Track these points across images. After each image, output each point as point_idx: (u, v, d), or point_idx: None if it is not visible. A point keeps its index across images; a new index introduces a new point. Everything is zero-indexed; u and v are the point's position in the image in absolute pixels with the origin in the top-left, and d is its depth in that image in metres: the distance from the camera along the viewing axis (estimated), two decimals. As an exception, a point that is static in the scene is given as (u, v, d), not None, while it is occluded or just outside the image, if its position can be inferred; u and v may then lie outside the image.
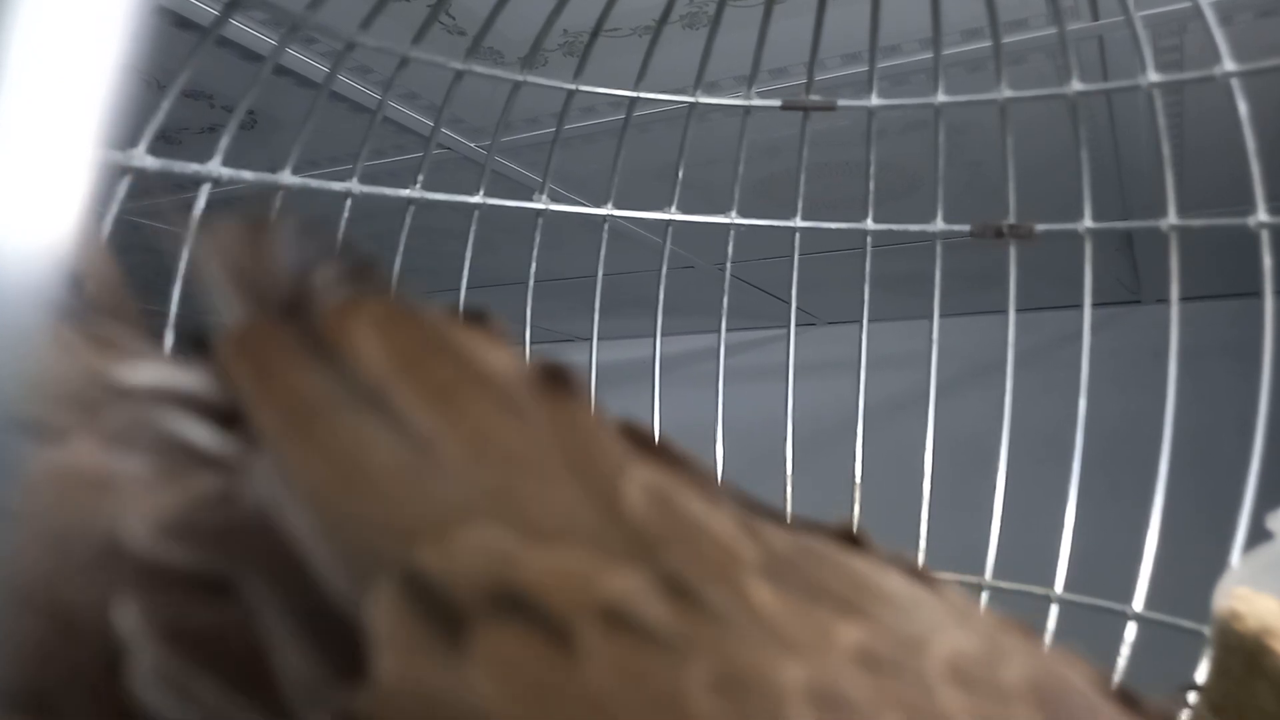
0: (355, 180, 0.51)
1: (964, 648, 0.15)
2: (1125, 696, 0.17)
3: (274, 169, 0.48)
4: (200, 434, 0.17)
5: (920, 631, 0.15)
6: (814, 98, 0.57)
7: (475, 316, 0.20)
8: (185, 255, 0.21)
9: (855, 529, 0.19)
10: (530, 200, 0.56)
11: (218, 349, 0.18)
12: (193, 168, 0.44)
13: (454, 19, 0.75)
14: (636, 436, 0.19)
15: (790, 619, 0.15)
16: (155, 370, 0.18)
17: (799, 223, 0.58)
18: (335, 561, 0.15)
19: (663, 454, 0.18)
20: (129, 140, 0.41)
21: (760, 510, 0.18)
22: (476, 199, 0.54)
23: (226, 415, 0.18)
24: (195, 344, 0.19)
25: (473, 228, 0.55)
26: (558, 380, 0.18)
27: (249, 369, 0.17)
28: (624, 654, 0.14)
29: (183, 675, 0.15)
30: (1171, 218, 0.49)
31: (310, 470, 0.16)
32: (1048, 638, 0.48)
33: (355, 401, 0.17)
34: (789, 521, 0.18)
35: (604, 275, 0.58)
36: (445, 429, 0.16)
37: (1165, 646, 0.44)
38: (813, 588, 0.16)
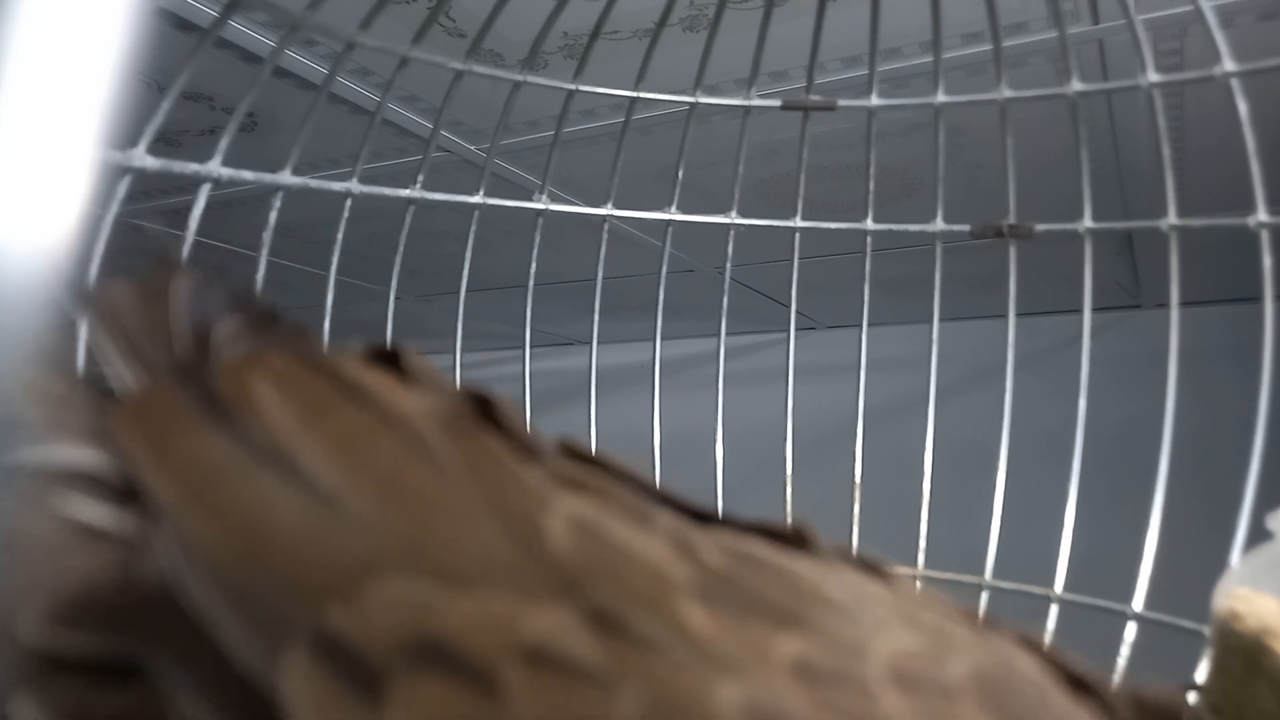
0: (355, 180, 0.51)
1: (907, 647, 0.15)
2: (1077, 681, 0.17)
3: (274, 170, 0.48)
4: (96, 512, 0.17)
5: (862, 634, 0.15)
6: (814, 98, 0.57)
7: (388, 356, 0.19)
8: (85, 313, 0.20)
9: (802, 527, 0.18)
10: (530, 201, 0.56)
11: (112, 421, 0.17)
12: (192, 168, 0.44)
13: (454, 20, 0.75)
14: (574, 455, 0.18)
15: (725, 638, 0.14)
16: (51, 450, 0.17)
17: (799, 223, 0.58)
18: (245, 630, 0.14)
19: (600, 471, 0.18)
20: (129, 141, 0.41)
21: (701, 517, 0.18)
22: (476, 199, 0.54)
23: (126, 490, 0.17)
24: (103, 406, 0.18)
25: (472, 228, 0.55)
26: (482, 408, 0.18)
27: (143, 439, 0.17)
28: (552, 693, 0.14)
29: None
30: (1171, 218, 0.49)
31: (212, 537, 0.15)
32: (1047, 638, 0.48)
33: (256, 461, 0.16)
34: (736, 526, 0.18)
35: (604, 278, 0.58)
36: (353, 481, 0.16)
37: (1165, 646, 0.44)
38: (750, 602, 0.15)
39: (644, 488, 0.18)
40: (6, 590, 0.16)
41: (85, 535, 0.17)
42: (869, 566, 0.18)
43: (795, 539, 0.18)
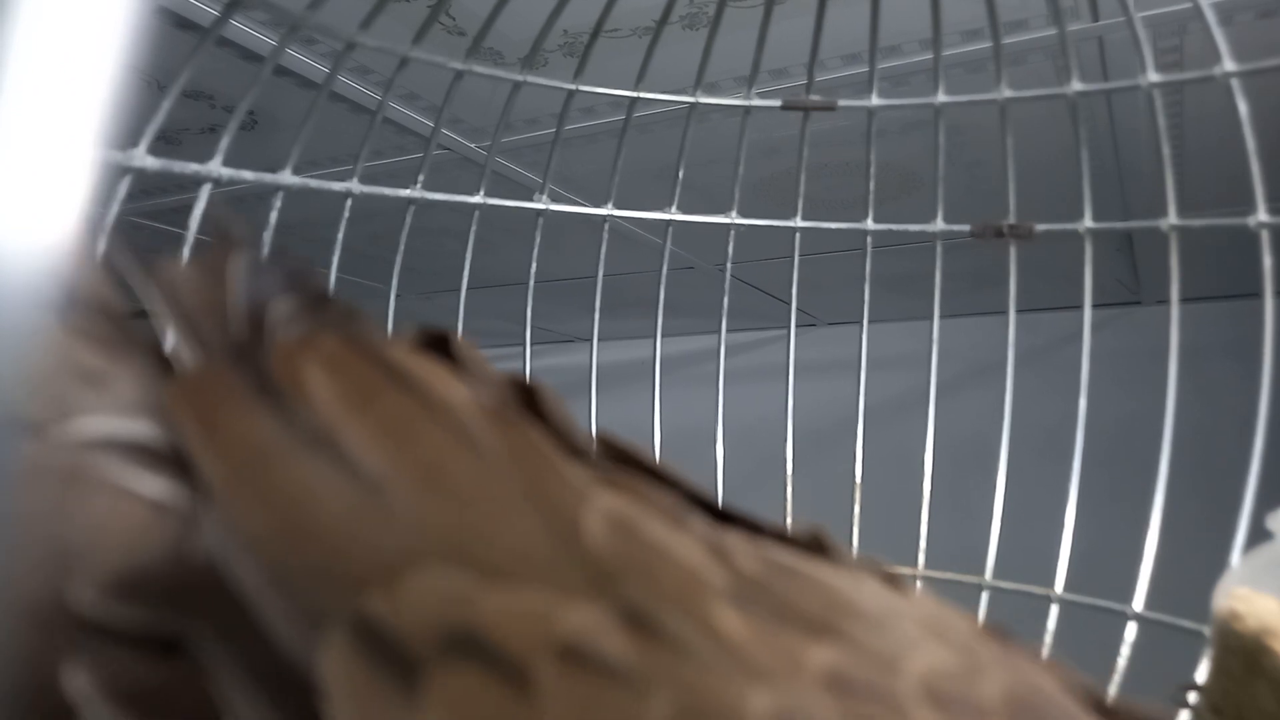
0: (355, 180, 0.51)
1: (938, 664, 0.15)
2: (1104, 706, 0.17)
3: (274, 169, 0.48)
4: (153, 486, 0.17)
5: (894, 649, 0.15)
6: (814, 97, 0.57)
7: (437, 341, 0.19)
8: (146, 287, 0.21)
9: (821, 535, 0.18)
10: (530, 200, 0.56)
11: (165, 398, 0.18)
12: (193, 168, 0.44)
13: (454, 19, 0.75)
14: (611, 451, 0.18)
15: (758, 645, 0.14)
16: (107, 422, 0.18)
17: (799, 223, 0.58)
18: (286, 613, 0.15)
19: (635, 468, 0.18)
20: (129, 140, 0.41)
21: (734, 521, 0.18)
22: (477, 199, 0.54)
23: (180, 465, 0.17)
24: (160, 376, 0.19)
25: (473, 228, 0.55)
26: (527, 399, 0.18)
27: (194, 418, 0.17)
28: (583, 691, 0.14)
29: None
30: (1171, 218, 0.49)
31: (257, 520, 0.15)
32: (1048, 638, 0.48)
33: (303, 445, 0.16)
34: (759, 531, 0.18)
35: (604, 276, 0.58)
36: (397, 468, 0.16)
37: (1165, 646, 0.44)
38: (783, 609, 0.15)
39: (678, 484, 0.18)
40: (65, 559, 0.16)
41: (140, 507, 0.17)
42: (892, 580, 0.18)
43: (813, 545, 0.18)
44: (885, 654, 0.15)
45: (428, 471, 0.16)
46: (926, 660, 0.15)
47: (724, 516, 0.18)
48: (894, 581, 0.18)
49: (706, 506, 0.18)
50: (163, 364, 0.19)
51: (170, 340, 0.19)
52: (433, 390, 0.18)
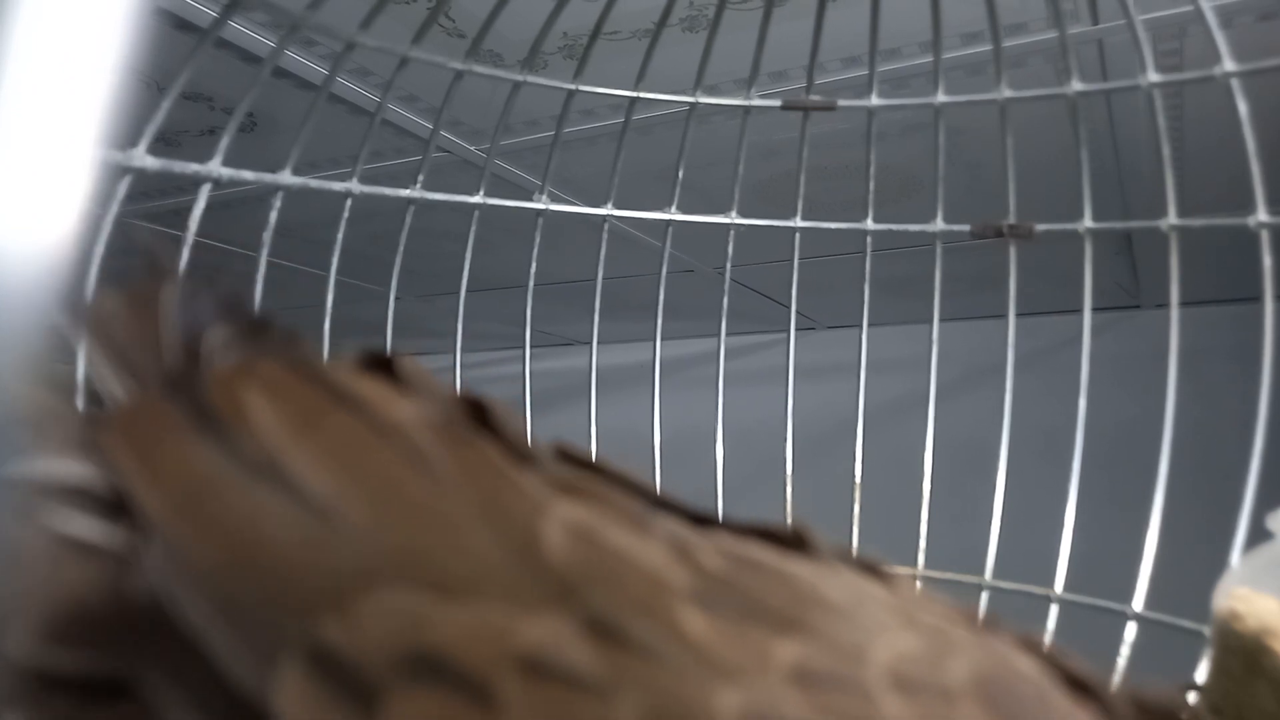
0: (355, 180, 0.51)
1: (907, 650, 0.15)
2: (1078, 682, 0.17)
3: (273, 170, 0.48)
4: (86, 526, 0.17)
5: (861, 638, 0.15)
6: (814, 98, 0.57)
7: (381, 362, 0.19)
8: (76, 325, 0.20)
9: (800, 528, 0.18)
10: (530, 201, 0.56)
11: (100, 435, 0.17)
12: (193, 168, 0.44)
13: (454, 21, 0.76)
14: (571, 460, 0.18)
15: (723, 644, 0.14)
16: (40, 463, 0.17)
17: (799, 223, 0.58)
18: (237, 645, 0.14)
19: (597, 476, 0.18)
20: (128, 141, 0.41)
21: (706, 523, 0.18)
22: (476, 199, 0.54)
23: (116, 505, 0.17)
24: (93, 418, 0.18)
25: (472, 228, 0.55)
26: (478, 413, 0.18)
27: (132, 453, 0.17)
28: (547, 703, 0.13)
29: None
30: (1171, 218, 0.49)
31: (202, 552, 0.15)
32: (1047, 638, 0.48)
33: (247, 473, 0.16)
34: (735, 528, 0.18)
35: (604, 279, 0.58)
36: (345, 491, 0.16)
37: (1165, 646, 0.44)
38: (749, 606, 0.15)
39: (641, 491, 0.18)
40: None
41: (75, 550, 0.16)
42: (868, 568, 0.18)
43: (794, 540, 0.18)
44: (852, 644, 0.15)
45: (378, 492, 0.16)
46: (894, 647, 0.15)
47: (697, 519, 0.18)
48: (871, 570, 0.18)
49: (677, 509, 0.18)
50: (93, 402, 0.19)
51: (102, 376, 0.19)
52: (379, 410, 0.17)
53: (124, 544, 0.16)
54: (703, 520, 0.18)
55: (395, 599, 0.14)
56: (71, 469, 0.17)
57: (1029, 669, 0.16)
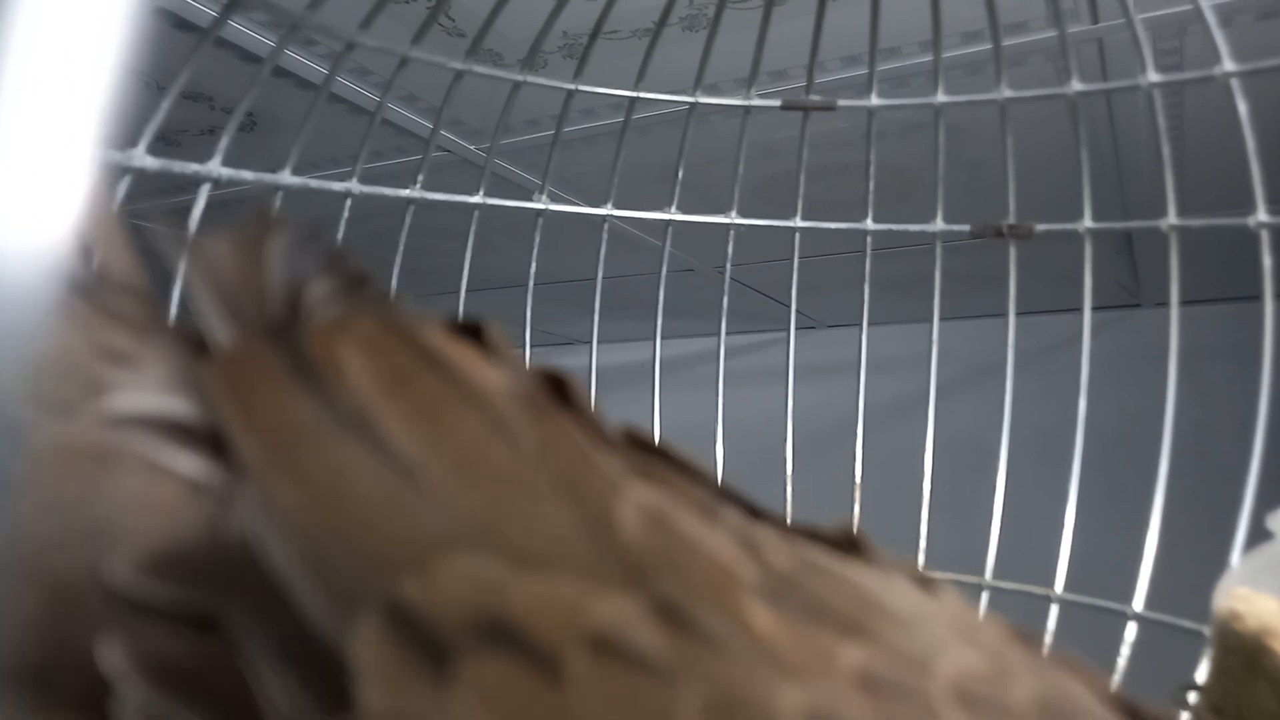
0: (355, 180, 0.51)
1: (969, 666, 0.15)
2: (1131, 710, 0.17)
3: (273, 170, 0.48)
4: (187, 463, 0.17)
5: (924, 650, 0.15)
6: (814, 98, 0.57)
7: (472, 328, 0.19)
8: (183, 262, 0.21)
9: (856, 534, 0.18)
10: (530, 201, 0.56)
11: (202, 375, 0.18)
12: (192, 168, 0.44)
13: (454, 20, 0.76)
14: (639, 444, 0.18)
15: (789, 641, 0.14)
16: (143, 397, 0.18)
17: (799, 223, 0.58)
18: (319, 594, 0.15)
19: (665, 462, 0.18)
20: (129, 141, 0.41)
21: (763, 518, 0.18)
22: (476, 199, 0.54)
23: (216, 442, 0.17)
24: (195, 355, 0.19)
25: (472, 228, 0.55)
26: (557, 389, 0.18)
27: (232, 396, 0.17)
28: (613, 682, 0.13)
29: (168, 711, 0.14)
30: (1171, 218, 0.49)
31: (292, 501, 0.15)
32: (1048, 638, 0.48)
33: (340, 427, 0.16)
34: (790, 528, 0.18)
35: (604, 278, 0.58)
36: (432, 453, 0.16)
37: (1165, 646, 0.44)
38: (814, 606, 0.15)
39: (705, 480, 0.18)
40: (99, 536, 0.16)
41: (174, 485, 0.17)
42: (923, 580, 0.18)
43: (850, 545, 0.18)
44: (916, 654, 0.15)
45: (462, 457, 0.16)
46: (957, 662, 0.15)
47: (755, 513, 0.18)
48: (925, 583, 0.18)
49: (738, 502, 0.18)
50: (195, 344, 0.19)
51: (206, 317, 0.19)
52: (468, 375, 0.17)
53: (221, 483, 0.17)
54: (760, 515, 0.18)
55: (473, 564, 0.15)
56: (177, 406, 0.18)
57: (1086, 697, 0.16)
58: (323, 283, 0.20)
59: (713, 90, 0.58)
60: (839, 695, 0.14)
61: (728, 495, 0.18)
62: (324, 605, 0.15)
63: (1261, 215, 0.46)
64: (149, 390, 0.18)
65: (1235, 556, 0.42)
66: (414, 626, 0.14)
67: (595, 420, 0.18)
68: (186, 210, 0.44)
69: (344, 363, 0.17)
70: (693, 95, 0.57)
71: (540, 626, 0.14)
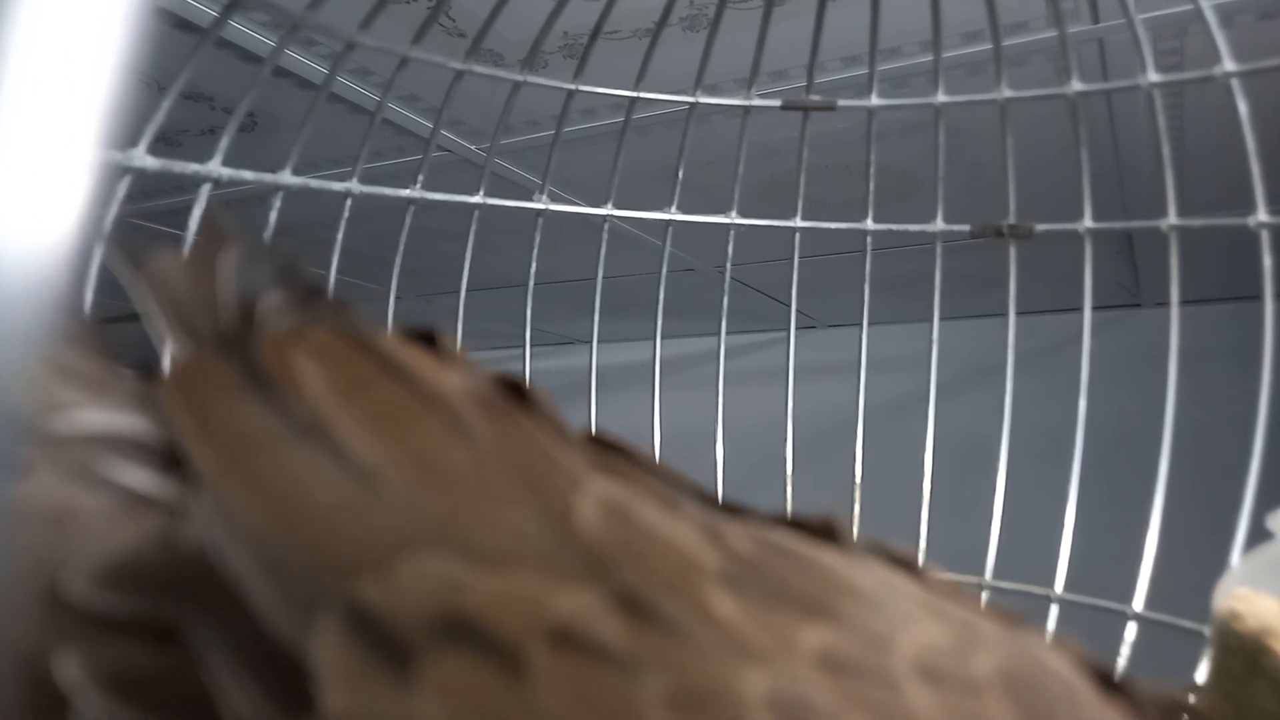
0: (355, 180, 0.51)
1: (934, 640, 0.15)
2: (1108, 680, 0.17)
3: (274, 170, 0.48)
4: (141, 478, 0.17)
5: (889, 627, 0.15)
6: (814, 98, 0.57)
7: (424, 336, 0.19)
8: (136, 279, 0.21)
9: (831, 520, 0.18)
10: (530, 201, 0.56)
11: (156, 389, 0.18)
12: (192, 168, 0.44)
13: (454, 20, 0.76)
14: (600, 444, 0.18)
15: (751, 627, 0.14)
16: (97, 416, 0.18)
17: (799, 223, 0.58)
18: (278, 599, 0.15)
19: (626, 460, 0.18)
20: (129, 141, 0.41)
21: (727, 509, 0.18)
22: (476, 199, 0.54)
23: (170, 457, 0.17)
24: (147, 377, 0.19)
25: (472, 228, 0.55)
26: (514, 394, 0.18)
27: (186, 408, 0.17)
28: (576, 675, 0.14)
29: None
30: (1171, 218, 0.49)
31: (249, 509, 0.16)
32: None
33: (296, 434, 0.16)
34: (758, 517, 0.18)
35: (604, 278, 0.58)
36: (388, 456, 0.16)
37: (1165, 646, 0.44)
38: (777, 591, 0.15)
39: (671, 478, 0.18)
40: (53, 551, 0.16)
41: (130, 500, 0.17)
42: (900, 561, 0.18)
43: (823, 531, 0.18)
44: (880, 632, 0.15)
45: (420, 459, 0.16)
46: (921, 637, 0.15)
47: (726, 509, 0.18)
48: (904, 564, 0.18)
49: (700, 495, 0.18)
50: (148, 373, 0.19)
51: (160, 333, 0.20)
52: (424, 379, 0.18)
53: (175, 496, 0.17)
54: (730, 509, 0.18)
55: (433, 564, 0.15)
56: (128, 422, 0.18)
57: (1058, 665, 0.16)
58: (276, 294, 0.20)
59: (713, 90, 0.58)
60: (801, 677, 0.14)
61: (693, 490, 0.18)
62: (284, 610, 0.15)
63: (1261, 215, 0.46)
64: (103, 408, 0.18)
65: (1235, 556, 0.42)
66: (375, 627, 0.14)
67: (554, 419, 0.18)
68: (187, 210, 0.44)
69: (299, 371, 0.17)
70: (693, 95, 0.57)
71: (501, 622, 0.14)
